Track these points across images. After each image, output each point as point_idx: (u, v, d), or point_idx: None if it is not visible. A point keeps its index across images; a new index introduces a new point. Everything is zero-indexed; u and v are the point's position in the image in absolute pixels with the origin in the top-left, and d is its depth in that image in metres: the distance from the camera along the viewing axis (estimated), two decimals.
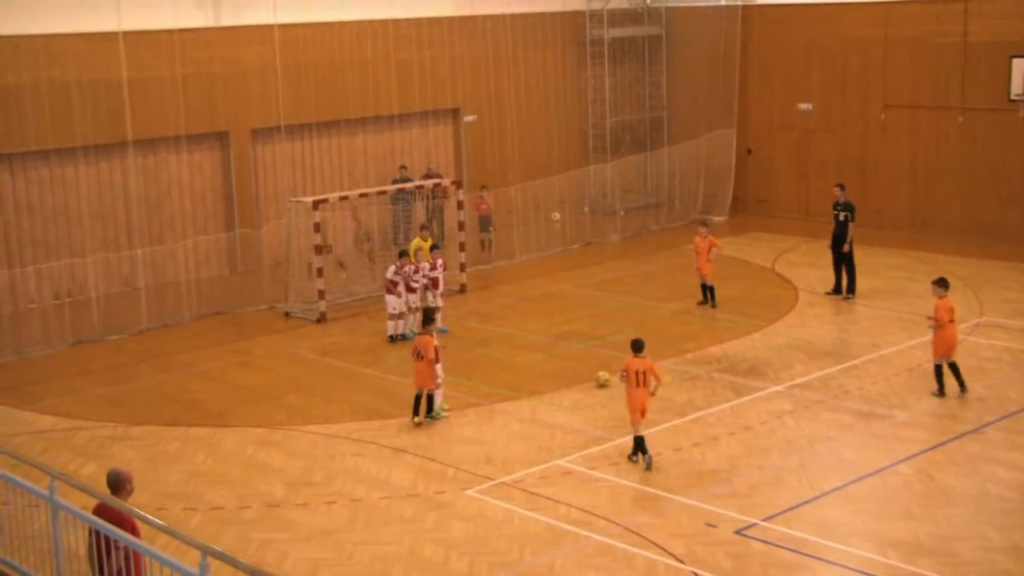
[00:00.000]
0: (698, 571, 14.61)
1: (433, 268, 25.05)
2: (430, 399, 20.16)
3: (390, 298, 24.70)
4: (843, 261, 27.11)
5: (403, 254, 25.20)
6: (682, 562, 14.85)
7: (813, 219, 34.90)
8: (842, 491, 16.94)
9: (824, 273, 28.36)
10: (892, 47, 33.88)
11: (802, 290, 27.96)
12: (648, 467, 17.65)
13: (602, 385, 21.54)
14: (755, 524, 15.85)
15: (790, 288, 28.23)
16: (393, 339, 24.63)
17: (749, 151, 37.21)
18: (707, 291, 26.76)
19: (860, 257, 27.16)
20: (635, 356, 17.93)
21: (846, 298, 26.86)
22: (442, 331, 24.20)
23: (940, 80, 33.12)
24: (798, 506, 16.44)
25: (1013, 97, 31.31)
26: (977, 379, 21.31)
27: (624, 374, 18.01)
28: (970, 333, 24.01)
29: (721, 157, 36.88)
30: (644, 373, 17.87)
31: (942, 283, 20.65)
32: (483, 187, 32.26)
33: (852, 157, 35.06)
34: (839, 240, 27.13)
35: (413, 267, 24.87)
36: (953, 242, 31.68)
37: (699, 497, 16.77)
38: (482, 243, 31.42)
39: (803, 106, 35.99)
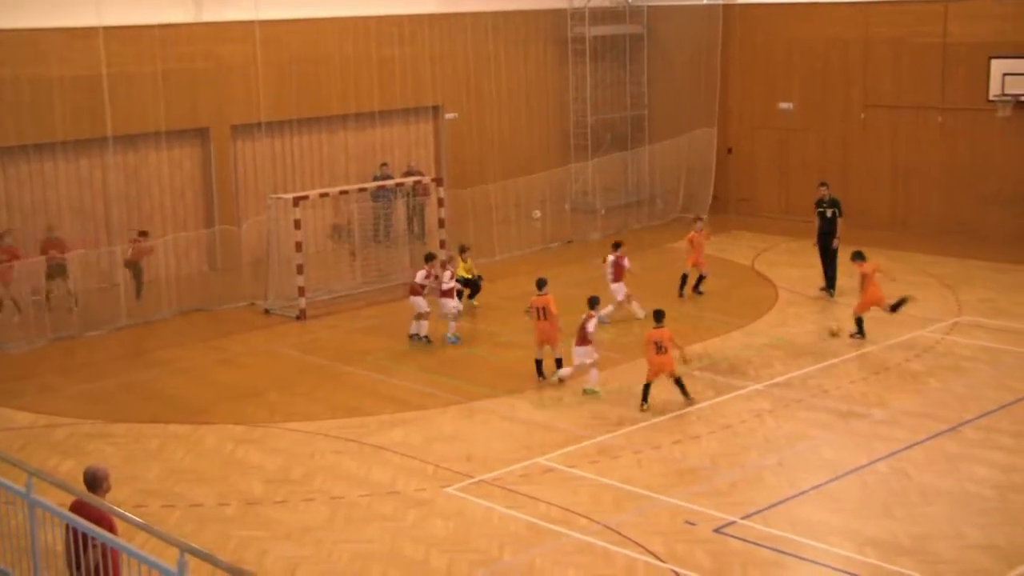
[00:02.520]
0: (677, 569, 14.63)
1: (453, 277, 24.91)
2: (559, 360, 21.69)
3: (417, 299, 24.37)
4: (831, 258, 27.05)
5: (430, 258, 25.05)
6: (662, 560, 14.87)
7: (794, 218, 34.96)
8: (821, 489, 16.99)
9: (805, 272, 28.47)
10: (872, 47, 34.00)
11: (782, 289, 28.03)
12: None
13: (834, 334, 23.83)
14: (734, 522, 15.88)
15: (770, 287, 28.30)
16: (412, 338, 24.48)
17: (730, 150, 37.29)
18: (699, 281, 27.56)
19: (840, 256, 27.17)
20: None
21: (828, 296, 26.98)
22: (452, 341, 24.34)
23: (920, 80, 33.25)
24: (777, 504, 16.48)
25: (992, 98, 31.47)
26: (955, 378, 21.42)
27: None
28: (948, 332, 24.12)
29: (702, 156, 36.96)
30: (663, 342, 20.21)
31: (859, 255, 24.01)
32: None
33: (833, 157, 35.16)
34: (827, 236, 27.06)
35: (449, 271, 24.75)
36: (932, 242, 31.81)
37: (679, 495, 16.79)
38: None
39: (784, 105, 36.08)
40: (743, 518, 16.01)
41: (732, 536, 15.51)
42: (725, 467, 17.83)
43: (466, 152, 34.77)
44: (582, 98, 37.20)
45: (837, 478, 17.34)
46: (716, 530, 15.67)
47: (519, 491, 17.03)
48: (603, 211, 35.75)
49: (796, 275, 28.90)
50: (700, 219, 28.32)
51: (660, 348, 20.12)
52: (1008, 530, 15.52)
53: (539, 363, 21.87)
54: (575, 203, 36.73)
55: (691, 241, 27.50)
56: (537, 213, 34.79)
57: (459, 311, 24.79)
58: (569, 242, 33.54)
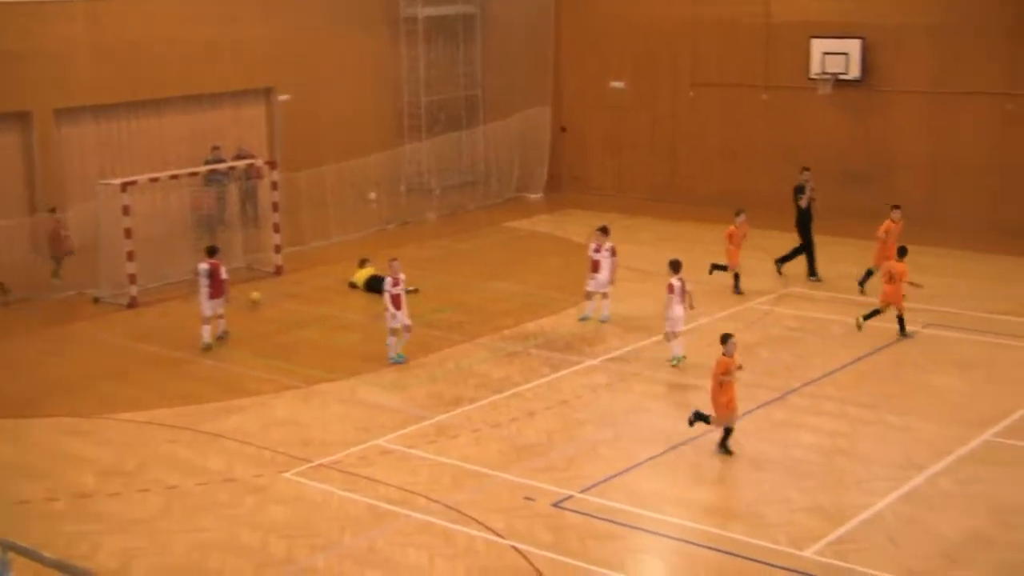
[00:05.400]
0: (517, 545, 14.78)
1: (395, 284, 22.00)
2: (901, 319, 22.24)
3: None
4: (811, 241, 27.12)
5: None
6: (501, 537, 15.00)
7: (627, 196, 35.58)
8: (656, 461, 17.33)
9: (639, 249, 28.96)
10: (700, 27, 34.67)
11: (618, 266, 28.33)
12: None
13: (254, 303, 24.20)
14: (572, 496, 16.10)
15: None
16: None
17: (563, 129, 37.65)
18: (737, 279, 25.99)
19: (675, 232, 27.74)
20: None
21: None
22: (397, 360, 21.77)
23: (745, 59, 34.03)
24: (614, 477, 16.75)
25: (813, 76, 32.40)
26: (782, 348, 22.04)
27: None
28: (776, 304, 24.78)
29: (536, 135, 37.24)
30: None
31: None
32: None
33: (663, 134, 35.78)
34: (808, 222, 27.01)
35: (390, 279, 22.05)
36: (761, 216, 32.52)
37: (517, 472, 16.95)
38: None
39: (616, 84, 36.54)
40: (581, 492, 16.24)
41: (570, 510, 15.72)
42: (562, 442, 18.05)
43: (299, 134, 34.35)
44: (416, 79, 37.09)
45: (672, 448, 17.70)
46: (554, 504, 15.87)
47: (358, 474, 16.99)
48: (438, 191, 35.78)
49: (631, 252, 29.25)
50: (742, 212, 26.35)
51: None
52: (832, 493, 16.06)
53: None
54: (411, 184, 36.67)
55: (731, 236, 25.91)
56: (373, 195, 34.65)
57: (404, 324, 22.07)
58: (405, 223, 33.51)
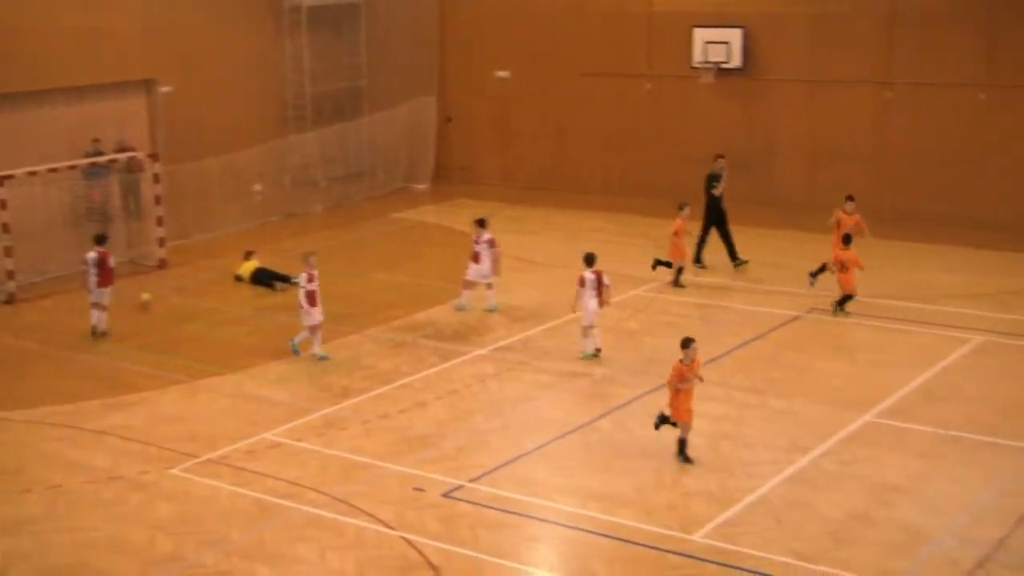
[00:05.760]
0: (408, 536, 14.76)
1: (311, 280, 21.38)
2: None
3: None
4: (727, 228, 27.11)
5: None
6: (392, 528, 14.97)
7: (514, 185, 35.66)
8: (545, 448, 17.43)
9: (525, 239, 29.09)
10: (585, 16, 34.86)
11: (505, 255, 28.30)
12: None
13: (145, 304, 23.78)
14: (462, 486, 16.13)
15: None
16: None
17: (449, 119, 37.60)
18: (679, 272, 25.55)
19: (562, 221, 27.88)
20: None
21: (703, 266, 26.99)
22: (322, 357, 21.29)
23: (629, 49, 34.30)
24: (503, 465, 16.82)
25: (695, 65, 32.78)
26: (670, 335, 22.20)
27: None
28: (662, 291, 25.05)
29: (422, 125, 37.15)
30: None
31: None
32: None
33: (549, 124, 35.91)
34: (722, 210, 27.01)
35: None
36: (646, 204, 32.88)
37: (407, 463, 16.93)
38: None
39: (501, 73, 36.59)
40: (471, 481, 16.27)
41: (461, 500, 15.75)
42: (452, 432, 18.07)
43: (182, 126, 33.76)
44: (300, 69, 36.72)
45: (561, 436, 17.82)
46: (445, 495, 15.88)
47: (246, 468, 16.83)
48: (324, 183, 35.51)
49: (517, 241, 29.37)
50: (686, 205, 26.00)
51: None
52: (719, 476, 16.30)
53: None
54: (296, 176, 36.30)
55: (677, 231, 25.48)
56: (258, 187, 34.25)
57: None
58: (291, 215, 33.23)
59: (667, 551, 14.31)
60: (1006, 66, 29.77)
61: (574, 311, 21.37)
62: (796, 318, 23.22)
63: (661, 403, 18.88)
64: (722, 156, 27.74)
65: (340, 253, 28.98)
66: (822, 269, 24.49)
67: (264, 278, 26.27)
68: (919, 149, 30.99)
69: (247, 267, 26.64)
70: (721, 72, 32.61)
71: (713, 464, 16.70)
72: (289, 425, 18.38)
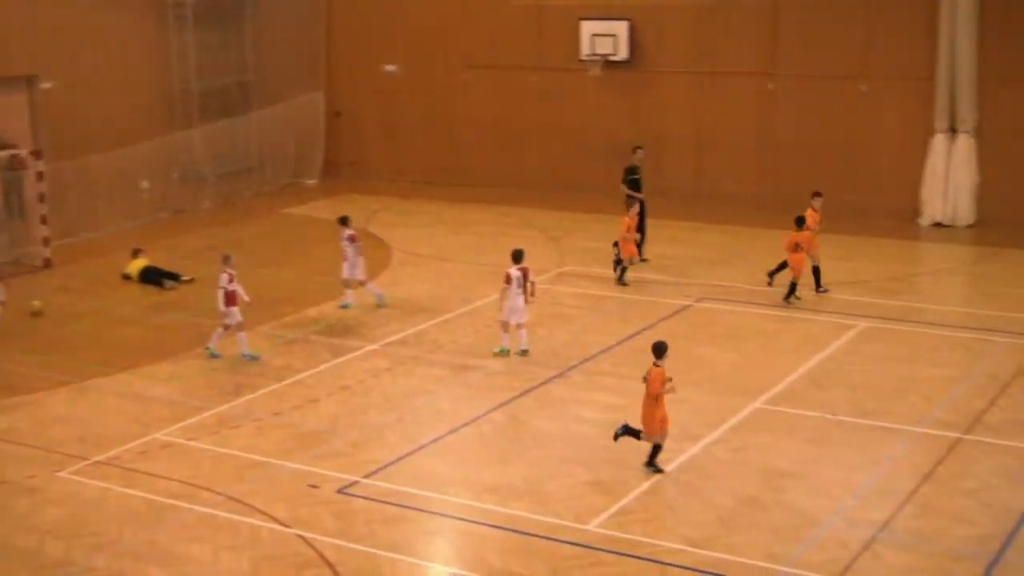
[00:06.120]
0: (303, 533, 14.71)
1: (231, 280, 21.17)
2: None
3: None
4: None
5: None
6: (286, 526, 14.91)
7: (404, 179, 35.59)
8: (439, 442, 17.48)
9: (418, 232, 29.12)
10: (473, 9, 34.91)
11: (396, 250, 28.44)
12: None
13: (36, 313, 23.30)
14: (357, 482, 16.11)
15: (384, 248, 28.66)
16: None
17: (338, 113, 37.39)
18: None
19: (452, 215, 27.94)
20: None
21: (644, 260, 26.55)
22: (250, 357, 21.03)
23: (517, 41, 34.41)
24: (398, 460, 16.83)
25: (583, 58, 33.02)
26: (561, 326, 22.45)
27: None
28: (554, 283, 25.21)
29: (310, 120, 36.90)
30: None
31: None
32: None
33: (439, 117, 35.92)
34: (643, 203, 26.54)
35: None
36: (536, 195, 33.08)
37: (301, 460, 16.86)
38: None
39: (389, 67, 36.49)
40: (366, 477, 16.26)
41: (356, 495, 15.73)
42: (346, 428, 18.03)
43: (66, 123, 33.13)
44: (186, 64, 36.22)
45: (454, 430, 17.88)
46: (339, 491, 15.85)
47: (137, 469, 16.63)
48: (213, 179, 35.09)
49: (407, 235, 29.42)
50: (636, 202, 25.61)
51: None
52: (611, 467, 16.47)
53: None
54: (184, 172, 35.81)
55: (627, 227, 24.86)
56: (145, 184, 33.74)
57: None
58: (180, 212, 32.84)
59: (562, 541, 14.44)
60: (885, 57, 30.44)
61: (500, 309, 20.98)
62: (686, 307, 23.54)
63: (557, 395, 19.10)
64: (640, 147, 27.73)
65: (230, 249, 28.53)
66: (781, 267, 24.14)
67: (153, 276, 25.93)
68: (802, 139, 31.56)
69: (135, 265, 26.28)
70: (609, 64, 32.89)
71: (606, 454, 16.86)
72: (181, 424, 18.19)
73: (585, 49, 32.95)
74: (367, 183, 35.85)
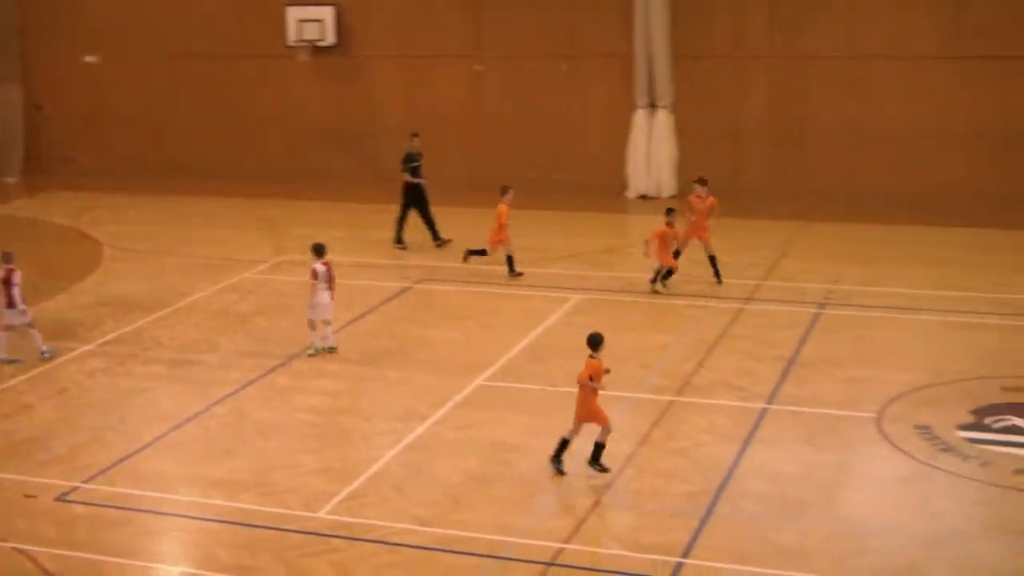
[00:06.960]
0: (20, 546, 14.15)
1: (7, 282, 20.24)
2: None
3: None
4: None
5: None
6: (3, 540, 14.32)
7: (115, 174, 34.47)
8: (163, 440, 17.13)
9: (130, 228, 28.39)
10: None
11: (107, 246, 27.61)
12: None
13: None
14: (77, 488, 15.63)
15: (95, 245, 27.80)
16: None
17: (39, 107, 35.89)
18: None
19: (167, 208, 27.23)
20: None
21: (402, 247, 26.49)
22: (45, 354, 20.27)
23: (223, 28, 33.87)
24: (120, 462, 16.40)
25: (290, 44, 32.79)
26: (282, 316, 22.31)
27: None
28: (272, 272, 25.02)
29: (7, 114, 35.26)
30: None
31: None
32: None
33: (147, 109, 35.03)
34: (422, 189, 26.48)
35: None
36: (253, 185, 32.65)
37: (16, 469, 16.22)
38: None
39: (89, 58, 35.30)
40: (86, 482, 15.79)
41: (76, 502, 15.26)
42: (63, 432, 17.43)
43: None
44: None
45: (177, 427, 17.55)
46: (58, 498, 15.34)
47: None
48: None
49: (118, 231, 28.60)
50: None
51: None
52: (340, 452, 16.52)
53: None
54: None
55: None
56: None
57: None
58: None
59: (290, 531, 14.38)
60: (585, 36, 31.38)
61: (311, 307, 20.22)
62: (406, 289, 23.74)
63: (281, 384, 18.98)
64: (417, 134, 27.21)
65: None
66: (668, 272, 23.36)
67: None
68: (512, 119, 32.23)
69: None
70: (317, 50, 32.74)
71: (333, 440, 16.91)
72: None
73: (292, 35, 32.69)
74: (76, 179, 34.53)
